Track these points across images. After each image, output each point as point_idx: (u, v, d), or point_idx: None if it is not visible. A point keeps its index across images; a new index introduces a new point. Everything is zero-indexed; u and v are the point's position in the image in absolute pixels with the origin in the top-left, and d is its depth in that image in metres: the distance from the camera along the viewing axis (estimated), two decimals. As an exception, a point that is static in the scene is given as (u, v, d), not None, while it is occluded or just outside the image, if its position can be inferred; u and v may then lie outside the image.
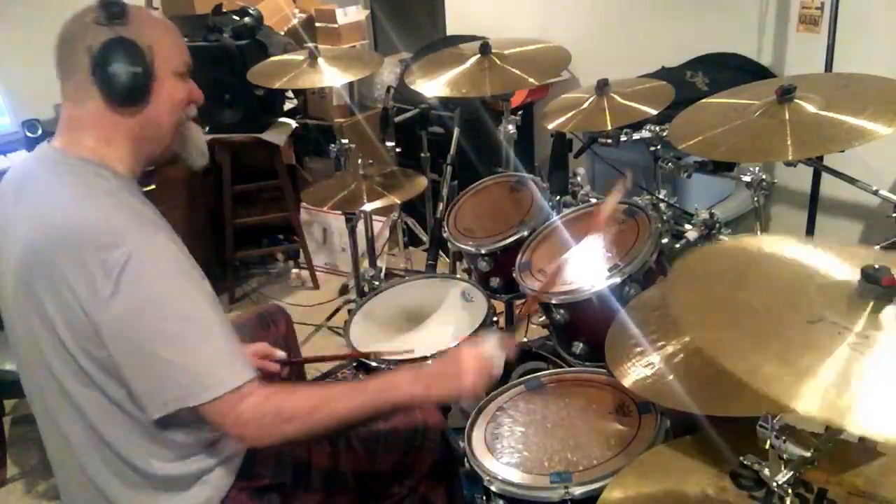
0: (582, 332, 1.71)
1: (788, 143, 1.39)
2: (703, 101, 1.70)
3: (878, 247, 1.48)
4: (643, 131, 2.00)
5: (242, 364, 1.21)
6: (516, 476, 1.37)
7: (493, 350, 1.38)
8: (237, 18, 3.35)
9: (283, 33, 3.69)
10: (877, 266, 0.87)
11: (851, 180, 1.62)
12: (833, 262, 0.98)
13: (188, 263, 1.22)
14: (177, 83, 1.30)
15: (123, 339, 1.15)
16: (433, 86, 2.27)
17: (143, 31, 1.24)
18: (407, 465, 1.50)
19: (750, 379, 0.81)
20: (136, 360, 1.16)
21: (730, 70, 2.83)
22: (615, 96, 2.02)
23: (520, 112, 2.56)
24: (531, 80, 2.22)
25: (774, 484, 0.98)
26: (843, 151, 1.38)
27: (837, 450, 1.09)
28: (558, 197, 2.12)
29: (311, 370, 2.80)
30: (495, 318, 1.94)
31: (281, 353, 1.68)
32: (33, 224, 1.20)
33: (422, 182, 2.51)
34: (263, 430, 1.20)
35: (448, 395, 1.38)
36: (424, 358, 1.71)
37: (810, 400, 0.77)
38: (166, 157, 1.37)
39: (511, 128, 2.43)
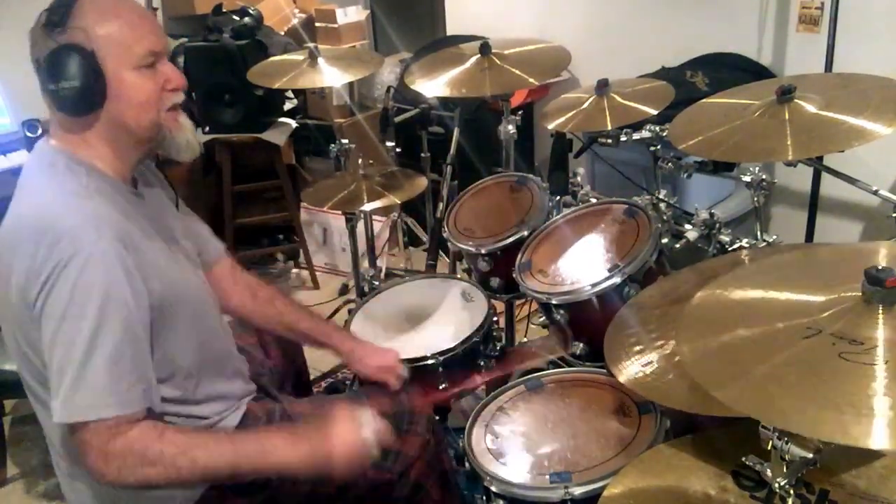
0: (582, 332, 1.71)
1: (788, 143, 1.39)
2: (704, 101, 1.70)
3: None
4: (643, 131, 2.00)
5: (131, 397, 1.15)
6: (516, 476, 1.37)
7: (369, 426, 1.30)
8: (237, 18, 3.35)
9: (283, 33, 3.69)
10: (880, 266, 0.87)
11: (851, 180, 1.62)
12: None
13: (117, 283, 1.16)
14: (139, 78, 1.23)
15: (43, 332, 1.15)
16: (433, 86, 2.27)
17: (88, 32, 1.18)
18: (395, 451, 1.49)
19: (788, 426, 0.81)
20: (48, 357, 1.15)
21: (730, 70, 2.83)
22: (615, 96, 2.02)
23: (520, 112, 2.55)
24: (531, 80, 2.22)
25: (776, 485, 0.98)
26: (842, 151, 1.38)
27: (839, 451, 1.09)
28: (558, 197, 2.12)
29: (310, 372, 2.80)
30: (496, 318, 1.94)
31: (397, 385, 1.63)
32: (9, 215, 1.22)
33: (422, 182, 2.51)
34: (125, 471, 1.14)
35: (317, 463, 1.26)
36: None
37: (838, 428, 0.77)
38: (157, 153, 1.34)
39: (511, 128, 2.43)
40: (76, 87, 1.18)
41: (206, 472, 1.20)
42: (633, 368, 1.31)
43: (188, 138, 1.33)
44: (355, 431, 1.29)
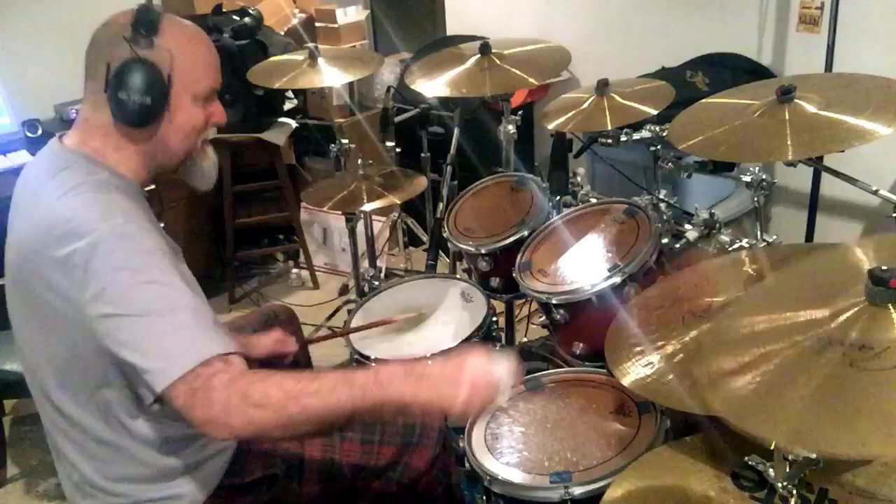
0: (582, 332, 1.71)
1: (788, 143, 1.39)
2: (704, 101, 1.70)
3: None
4: (643, 131, 2.00)
5: (213, 340, 1.13)
6: (516, 476, 1.37)
7: (503, 372, 1.16)
8: (237, 18, 3.35)
9: (283, 33, 3.69)
10: (884, 267, 0.87)
11: (851, 180, 1.62)
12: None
13: (159, 251, 1.17)
14: (194, 108, 1.28)
15: (104, 329, 1.13)
16: (433, 86, 2.27)
17: (168, 54, 1.22)
18: (404, 461, 1.50)
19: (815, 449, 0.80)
20: (117, 348, 1.13)
21: (730, 70, 2.83)
22: (615, 96, 2.02)
23: (520, 112, 2.55)
24: (531, 80, 2.22)
25: (779, 485, 0.98)
26: (842, 151, 1.38)
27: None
28: (558, 197, 2.12)
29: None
30: (495, 318, 1.94)
31: (293, 346, 1.67)
32: (26, 218, 1.22)
33: (422, 182, 2.51)
34: (230, 414, 1.07)
35: (438, 403, 1.13)
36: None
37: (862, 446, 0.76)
38: (175, 173, 1.37)
39: (511, 128, 2.43)
40: (143, 103, 1.21)
41: (322, 417, 1.11)
42: (633, 369, 1.31)
43: (209, 167, 1.39)
44: (489, 370, 1.16)
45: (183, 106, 1.26)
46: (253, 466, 1.37)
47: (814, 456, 0.93)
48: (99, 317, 1.12)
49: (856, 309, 0.89)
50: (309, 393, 1.11)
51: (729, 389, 0.90)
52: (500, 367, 1.16)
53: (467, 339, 1.82)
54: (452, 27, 3.90)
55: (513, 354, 1.21)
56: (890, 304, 0.86)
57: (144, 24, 1.22)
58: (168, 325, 1.12)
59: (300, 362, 1.85)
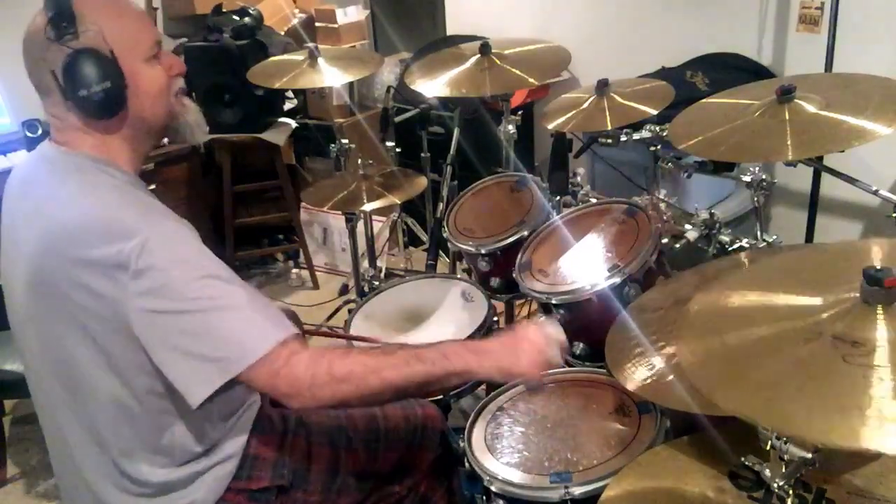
0: (582, 332, 1.71)
1: (788, 143, 1.39)
2: (704, 101, 1.70)
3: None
4: (643, 131, 2.00)
5: (282, 322, 1.17)
6: (516, 476, 1.37)
7: (555, 337, 1.34)
8: (237, 18, 3.35)
9: (283, 33, 3.69)
10: (879, 266, 0.87)
11: (851, 180, 1.62)
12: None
13: (199, 243, 1.19)
14: (151, 70, 1.24)
15: (153, 326, 1.13)
16: (433, 86, 2.27)
17: (99, 33, 1.18)
18: (407, 464, 1.50)
19: (785, 429, 0.81)
20: (169, 344, 1.13)
21: (730, 70, 2.83)
22: (615, 96, 2.02)
23: (520, 112, 2.56)
24: (531, 79, 2.22)
25: (775, 485, 0.98)
26: (842, 151, 1.38)
27: (836, 450, 1.09)
28: (558, 197, 2.12)
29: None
30: (496, 319, 1.94)
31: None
32: (43, 226, 1.19)
33: (422, 182, 2.51)
34: (317, 389, 1.14)
35: (501, 369, 1.28)
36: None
37: (842, 432, 0.76)
38: (171, 139, 1.35)
39: (511, 128, 2.43)
40: (104, 90, 1.18)
41: (397, 387, 1.20)
42: (634, 371, 1.31)
43: (197, 119, 1.35)
44: (541, 340, 1.31)
45: (139, 72, 1.23)
46: (261, 474, 1.37)
47: (809, 456, 0.93)
48: (151, 313, 1.12)
49: (848, 304, 0.89)
50: (387, 367, 1.19)
51: (704, 359, 0.92)
52: (553, 330, 1.35)
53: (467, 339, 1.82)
54: (452, 27, 3.90)
55: (556, 321, 1.38)
56: (879, 306, 0.86)
57: (60, 17, 1.18)
58: (237, 312, 1.15)
59: None
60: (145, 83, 1.24)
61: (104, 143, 1.24)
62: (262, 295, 1.22)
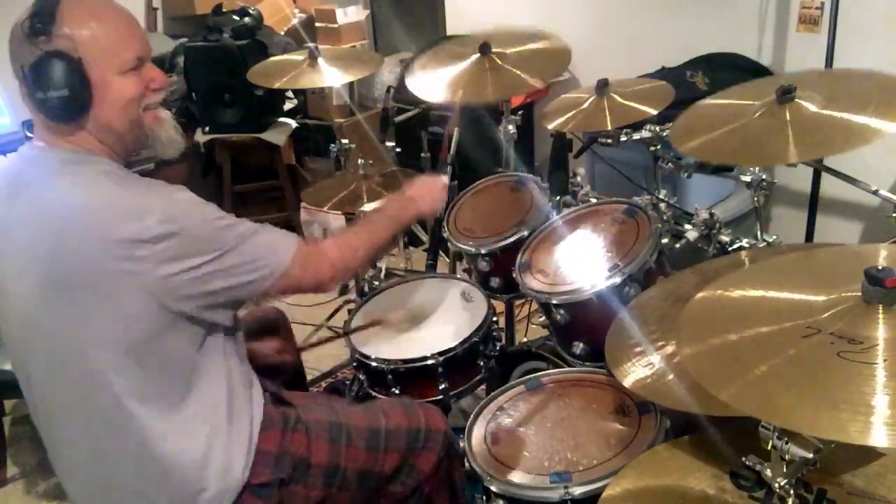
0: (582, 332, 1.71)
1: (791, 145, 1.37)
2: (703, 101, 1.68)
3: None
4: (643, 131, 2.00)
5: (289, 233, 1.39)
6: (516, 476, 1.37)
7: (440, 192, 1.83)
8: (237, 18, 3.36)
9: (283, 33, 3.69)
10: (880, 266, 0.87)
11: (851, 180, 1.62)
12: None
13: (199, 198, 1.30)
14: (124, 81, 1.24)
15: (190, 281, 1.21)
16: (434, 89, 2.26)
17: (74, 38, 1.18)
18: (409, 466, 1.50)
19: (788, 424, 0.81)
20: (217, 287, 1.25)
21: (730, 70, 2.83)
22: (615, 96, 2.02)
23: (520, 112, 2.55)
24: (532, 81, 2.21)
25: (777, 485, 0.98)
26: (854, 148, 1.36)
27: (837, 450, 1.09)
28: (558, 197, 2.12)
29: (310, 372, 2.80)
30: (496, 318, 1.94)
31: (291, 355, 1.85)
32: (49, 223, 1.19)
33: (422, 182, 2.50)
34: (345, 260, 1.48)
35: (412, 213, 1.73)
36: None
37: (837, 426, 0.77)
38: (143, 150, 1.36)
39: (511, 128, 2.43)
40: (64, 96, 1.18)
41: (377, 244, 1.58)
42: (633, 370, 1.31)
43: (170, 134, 1.36)
44: (426, 185, 1.80)
45: (110, 84, 1.23)
46: (263, 468, 1.37)
47: (810, 456, 0.93)
48: (191, 269, 1.21)
49: (849, 304, 0.89)
50: (376, 232, 1.59)
51: (706, 354, 0.92)
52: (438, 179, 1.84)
53: (468, 339, 1.82)
54: (452, 27, 3.90)
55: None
56: (881, 305, 0.86)
57: (39, 16, 1.18)
58: (260, 237, 1.32)
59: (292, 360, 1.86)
60: (113, 94, 1.24)
61: (77, 139, 1.26)
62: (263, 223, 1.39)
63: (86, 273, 1.17)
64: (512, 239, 1.96)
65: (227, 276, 1.26)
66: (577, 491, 1.29)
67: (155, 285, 1.18)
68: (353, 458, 1.46)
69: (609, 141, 2.02)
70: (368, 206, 2.36)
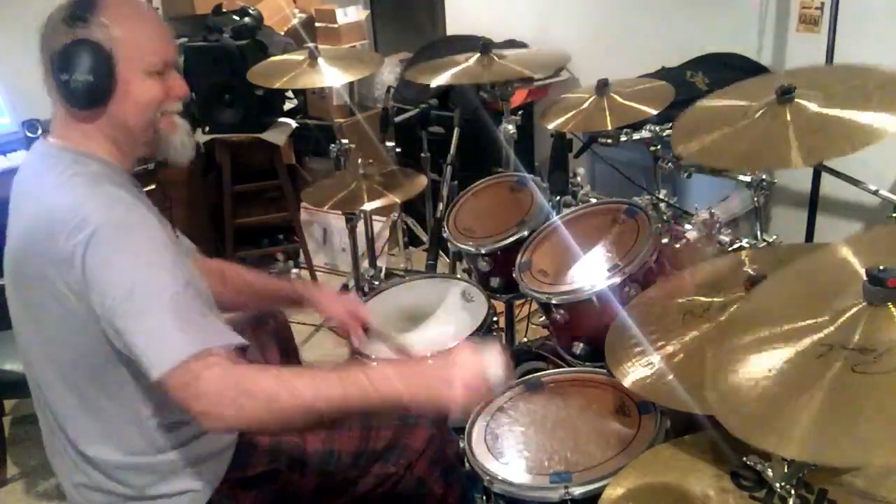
0: (582, 332, 1.71)
1: (794, 148, 1.34)
2: (702, 102, 1.64)
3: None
4: (643, 131, 2.00)
5: (206, 333, 1.13)
6: (516, 476, 1.37)
7: (495, 366, 1.18)
8: (237, 18, 3.35)
9: (283, 33, 3.69)
10: (882, 267, 0.87)
11: (852, 180, 1.62)
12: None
13: (159, 241, 1.19)
14: (147, 83, 1.26)
15: (103, 320, 1.14)
16: (433, 78, 2.28)
17: (110, 31, 1.20)
18: (401, 443, 1.50)
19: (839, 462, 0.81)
20: (116, 334, 1.14)
21: (730, 70, 2.82)
22: (615, 96, 2.02)
23: (520, 112, 2.56)
24: (528, 72, 2.23)
25: (778, 485, 0.98)
26: (860, 149, 1.35)
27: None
28: (558, 197, 2.12)
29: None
30: (495, 319, 1.94)
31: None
32: (21, 219, 1.23)
33: (422, 182, 2.51)
34: (223, 405, 1.08)
35: (434, 403, 1.16)
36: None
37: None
38: (153, 154, 1.35)
39: (511, 128, 2.43)
40: (87, 82, 1.20)
41: (312, 408, 1.12)
42: (633, 370, 1.31)
43: (183, 139, 1.35)
44: (478, 368, 1.18)
45: (134, 81, 1.24)
46: (256, 461, 1.38)
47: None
48: (101, 306, 1.13)
49: (854, 311, 0.88)
50: (303, 385, 1.12)
51: (737, 405, 0.89)
52: (490, 362, 1.18)
53: (468, 339, 1.82)
54: (452, 27, 3.90)
55: (500, 346, 1.22)
56: (890, 304, 0.86)
57: (80, 5, 1.21)
58: (162, 317, 1.12)
59: (288, 352, 1.85)
60: (135, 92, 1.25)
61: (87, 137, 1.26)
62: (202, 300, 1.20)
63: (32, 276, 1.19)
64: (512, 239, 1.96)
65: (115, 335, 1.14)
66: (577, 491, 1.29)
67: (90, 301, 1.15)
68: (347, 440, 1.46)
69: (609, 141, 2.03)
70: (368, 207, 2.36)
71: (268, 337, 1.75)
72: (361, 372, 1.15)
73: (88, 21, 1.20)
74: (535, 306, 2.15)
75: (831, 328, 0.89)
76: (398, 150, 2.84)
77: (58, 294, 1.17)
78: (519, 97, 3.22)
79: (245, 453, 1.37)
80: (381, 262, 3.23)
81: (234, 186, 3.34)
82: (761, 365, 0.91)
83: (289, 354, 1.82)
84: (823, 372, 0.84)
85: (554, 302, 1.70)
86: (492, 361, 1.18)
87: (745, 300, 1.28)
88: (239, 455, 1.37)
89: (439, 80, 2.27)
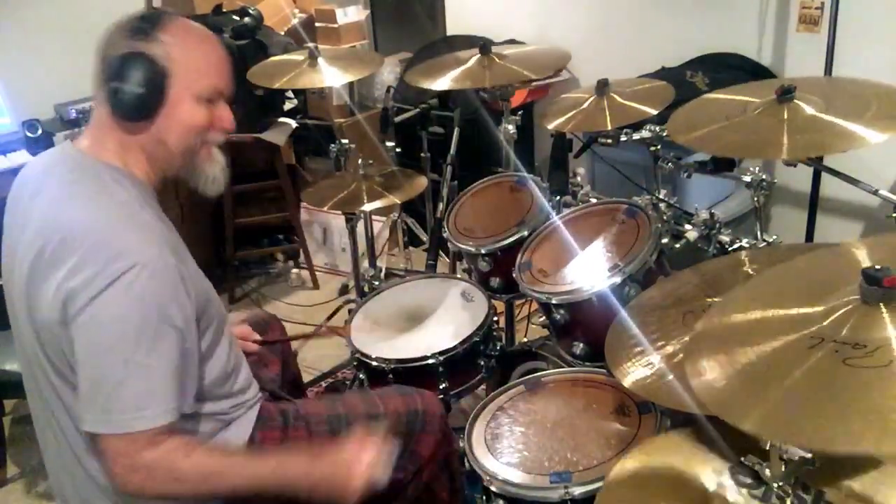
0: (582, 332, 1.71)
1: (784, 141, 1.38)
2: (704, 96, 1.69)
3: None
4: (643, 131, 2.00)
5: (162, 410, 1.17)
6: (516, 476, 1.37)
7: (386, 458, 1.32)
8: (237, 18, 3.35)
9: (283, 33, 3.69)
10: (877, 266, 0.87)
11: (851, 180, 1.62)
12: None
13: (182, 290, 1.19)
14: (195, 108, 1.27)
15: (82, 343, 1.15)
16: (433, 82, 2.28)
17: (170, 49, 1.22)
18: (409, 450, 1.51)
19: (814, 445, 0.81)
20: (82, 367, 1.16)
21: (730, 70, 2.83)
22: (615, 96, 2.02)
23: (520, 112, 2.55)
24: (529, 73, 2.23)
25: (776, 485, 0.98)
26: (844, 151, 1.37)
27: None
28: (558, 197, 2.12)
29: (310, 372, 2.80)
30: (496, 318, 1.94)
31: (256, 336, 1.71)
32: (47, 226, 1.20)
33: (422, 182, 2.51)
34: (149, 483, 1.17)
35: (329, 496, 1.27)
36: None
37: (872, 440, 0.75)
38: (182, 177, 1.35)
39: (511, 128, 2.43)
40: (137, 94, 1.21)
41: (229, 493, 1.23)
42: (634, 370, 1.31)
43: (216, 174, 1.37)
44: (366, 466, 1.29)
45: (183, 103, 1.25)
46: None
47: (809, 456, 0.93)
48: (85, 333, 1.14)
49: (849, 307, 0.89)
50: (227, 469, 1.23)
51: (719, 385, 0.90)
52: (383, 454, 1.31)
53: (468, 339, 1.82)
54: (452, 27, 3.90)
55: (382, 429, 1.35)
56: (882, 304, 0.86)
57: (146, 20, 1.23)
58: (126, 386, 1.15)
59: (288, 364, 1.86)
60: (182, 113, 1.26)
61: (123, 148, 1.26)
62: (174, 371, 1.19)
63: (54, 283, 1.17)
64: (512, 239, 1.97)
65: (82, 376, 1.16)
66: (577, 491, 1.29)
67: (79, 317, 1.15)
68: None
69: (609, 141, 2.02)
70: (368, 207, 2.36)
71: (267, 350, 1.75)
72: (275, 462, 1.27)
73: (150, 35, 1.21)
74: (535, 306, 2.15)
75: (825, 322, 0.89)
76: (398, 150, 2.85)
77: (59, 300, 1.16)
78: (519, 97, 3.22)
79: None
80: (381, 262, 3.23)
81: (234, 186, 3.33)
82: (748, 344, 0.92)
83: (287, 364, 1.83)
84: (813, 361, 0.85)
85: (554, 302, 1.70)
86: (375, 456, 1.30)
87: (744, 282, 1.30)
88: None
89: (439, 85, 2.27)
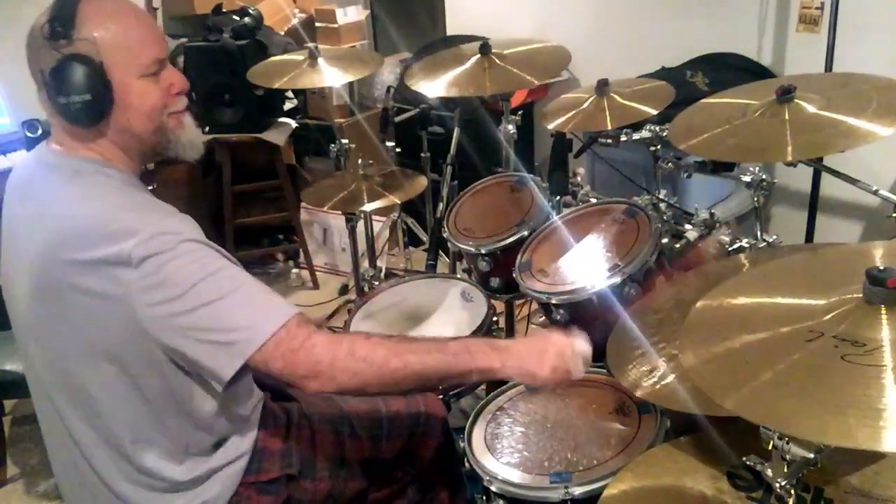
0: (582, 332, 1.71)
1: (788, 143, 1.38)
2: (704, 100, 1.70)
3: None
4: (643, 131, 2.00)
5: (288, 305, 1.18)
6: (516, 476, 1.37)
7: (582, 350, 1.30)
8: (237, 18, 3.35)
9: (283, 33, 3.69)
10: (881, 267, 0.87)
11: (851, 180, 1.62)
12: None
13: (202, 237, 1.19)
14: (146, 85, 1.22)
15: (164, 318, 1.13)
16: (433, 86, 2.27)
17: (96, 41, 1.17)
18: (410, 452, 1.51)
19: (794, 432, 0.81)
20: (184, 334, 1.14)
21: (730, 70, 2.83)
22: (615, 96, 2.02)
23: (520, 112, 2.56)
24: (531, 78, 2.23)
25: (778, 485, 0.98)
26: (843, 151, 1.38)
27: (836, 449, 1.09)
28: (558, 197, 2.12)
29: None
30: (495, 319, 1.94)
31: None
32: (46, 230, 1.19)
33: (422, 182, 2.51)
34: (338, 370, 1.14)
35: (522, 371, 1.25)
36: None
37: (844, 432, 0.76)
38: (163, 154, 1.33)
39: (511, 128, 2.43)
40: (87, 101, 1.17)
41: (418, 373, 1.19)
42: (635, 373, 1.31)
43: (191, 137, 1.33)
44: (569, 350, 1.28)
45: (131, 87, 1.21)
46: (270, 466, 1.38)
47: (812, 456, 0.93)
48: (159, 305, 1.12)
49: (851, 305, 0.89)
50: (410, 351, 1.20)
51: (709, 362, 0.91)
52: (581, 345, 1.30)
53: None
54: (452, 27, 3.90)
55: (585, 336, 1.32)
56: (883, 306, 0.86)
57: (59, 19, 1.16)
58: (244, 298, 1.15)
59: None
60: (135, 99, 1.22)
61: (95, 145, 1.24)
62: (263, 284, 1.22)
63: (67, 286, 1.16)
64: (512, 239, 1.96)
65: (188, 337, 1.14)
66: (577, 491, 1.29)
67: (135, 310, 1.13)
68: (357, 449, 1.47)
69: (609, 141, 2.02)
70: (368, 207, 2.36)
71: None
72: (458, 343, 1.25)
73: (71, 36, 1.16)
74: (535, 306, 2.14)
75: (826, 317, 0.89)
76: (398, 150, 2.85)
77: (91, 301, 1.14)
78: (519, 97, 3.22)
79: (258, 459, 1.37)
80: (381, 262, 3.23)
81: (234, 186, 3.34)
82: (746, 328, 0.93)
83: None
84: (810, 352, 0.85)
85: (554, 302, 1.70)
86: (582, 346, 1.30)
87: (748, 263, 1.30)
88: (252, 461, 1.36)
89: (439, 90, 2.26)
